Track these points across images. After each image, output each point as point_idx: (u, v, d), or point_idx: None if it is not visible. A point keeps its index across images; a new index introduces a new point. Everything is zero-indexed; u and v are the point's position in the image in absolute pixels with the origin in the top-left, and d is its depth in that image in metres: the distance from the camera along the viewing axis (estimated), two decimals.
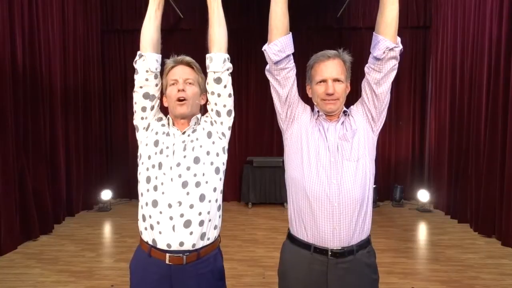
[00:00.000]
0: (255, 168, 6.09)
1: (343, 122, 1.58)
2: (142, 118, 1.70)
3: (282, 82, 1.57)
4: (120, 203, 6.33)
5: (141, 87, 1.66)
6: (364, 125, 1.58)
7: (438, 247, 4.19)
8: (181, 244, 1.58)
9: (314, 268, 1.51)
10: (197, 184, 1.60)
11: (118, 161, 6.59)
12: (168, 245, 1.58)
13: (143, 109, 1.68)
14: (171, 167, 1.60)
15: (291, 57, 1.57)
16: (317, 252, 1.50)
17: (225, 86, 1.64)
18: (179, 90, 1.63)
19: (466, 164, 5.04)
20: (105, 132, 6.51)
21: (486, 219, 4.48)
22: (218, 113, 1.68)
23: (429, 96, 6.35)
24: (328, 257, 1.49)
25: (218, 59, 1.61)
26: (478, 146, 4.74)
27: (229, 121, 1.70)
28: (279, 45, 1.52)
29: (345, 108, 1.61)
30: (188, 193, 1.59)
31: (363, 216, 1.52)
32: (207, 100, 1.72)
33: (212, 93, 1.65)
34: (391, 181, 6.37)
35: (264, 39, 1.57)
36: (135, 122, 1.72)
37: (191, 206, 1.58)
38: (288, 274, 1.58)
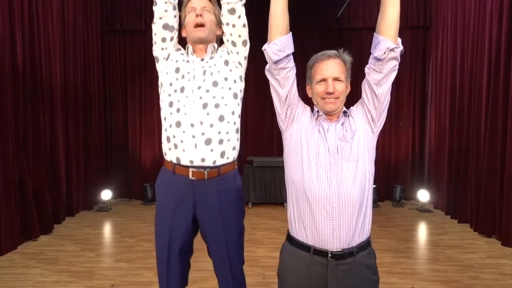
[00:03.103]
0: (255, 168, 6.09)
1: (343, 122, 1.57)
2: (162, 49, 1.81)
3: (281, 81, 1.56)
4: (120, 203, 6.34)
5: (160, 18, 1.77)
6: (364, 126, 1.57)
7: (438, 247, 4.19)
8: (203, 160, 1.72)
9: (314, 270, 1.50)
10: (216, 106, 1.72)
11: (118, 161, 6.59)
12: (191, 161, 1.72)
13: (163, 39, 1.79)
14: (192, 90, 1.72)
15: (291, 56, 1.56)
16: (317, 253, 1.50)
17: (239, 17, 1.73)
18: (197, 16, 1.73)
19: (466, 164, 5.03)
20: (105, 132, 6.51)
21: (486, 219, 4.48)
22: (233, 43, 1.78)
23: (429, 96, 6.35)
24: (328, 259, 1.48)
25: None
26: (478, 146, 4.74)
27: (244, 51, 1.81)
28: (279, 44, 1.52)
29: (345, 109, 1.61)
30: (208, 114, 1.71)
31: (363, 217, 1.52)
32: (223, 32, 1.81)
33: (227, 24, 1.75)
34: (391, 181, 6.37)
35: (264, 38, 1.57)
36: (155, 54, 1.83)
37: (211, 125, 1.71)
38: (288, 275, 1.57)
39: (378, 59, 1.50)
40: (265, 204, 6.11)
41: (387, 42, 1.47)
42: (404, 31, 6.07)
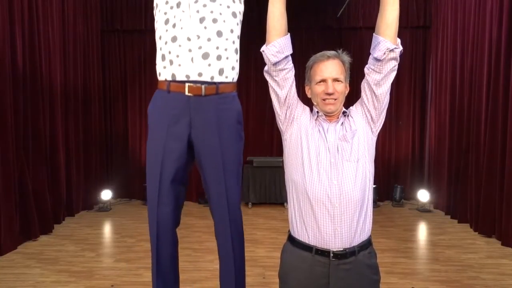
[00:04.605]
0: (255, 168, 6.09)
1: (342, 122, 1.57)
2: None
3: (280, 83, 1.56)
4: (120, 203, 6.34)
5: None
6: (364, 126, 1.58)
7: (438, 247, 4.19)
8: (200, 74, 1.65)
9: (316, 270, 1.51)
10: (214, 21, 1.67)
11: (118, 161, 6.60)
12: (187, 76, 1.65)
13: None
14: (189, 5, 1.66)
15: (290, 58, 1.56)
16: (319, 253, 1.50)
17: None
18: None
19: (466, 164, 5.03)
20: (105, 132, 6.51)
21: (486, 219, 4.48)
22: None
23: (429, 96, 6.36)
24: (330, 258, 1.49)
25: None
26: (478, 146, 4.74)
27: None
28: (277, 46, 1.52)
29: (344, 109, 1.61)
30: (205, 28, 1.66)
31: (364, 217, 1.52)
32: None
33: None
34: (391, 181, 6.37)
35: (264, 38, 1.57)
36: None
37: (209, 40, 1.65)
38: (289, 276, 1.57)
39: (377, 60, 1.51)
40: (265, 204, 6.11)
41: (387, 43, 1.48)
42: (404, 31, 6.07)
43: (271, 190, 6.08)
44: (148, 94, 6.43)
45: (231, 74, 1.73)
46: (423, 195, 5.82)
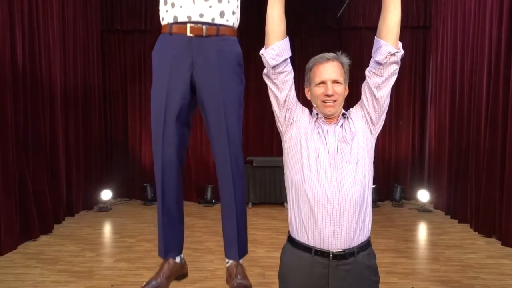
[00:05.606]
0: (255, 168, 6.09)
1: (342, 124, 1.58)
2: None
3: (280, 85, 1.56)
4: (120, 203, 6.34)
5: None
6: (363, 128, 1.58)
7: (438, 247, 4.20)
8: (201, 15, 1.69)
9: (315, 271, 1.51)
10: None
11: (118, 161, 6.59)
12: (189, 17, 1.69)
13: None
14: None
15: (289, 60, 1.57)
16: (318, 254, 1.50)
17: None
18: None
19: (466, 164, 5.03)
20: (105, 132, 6.51)
21: (486, 219, 4.49)
22: None
23: (429, 96, 6.36)
24: (329, 259, 1.49)
25: None
26: (478, 146, 4.74)
27: None
28: (276, 49, 1.52)
29: (344, 111, 1.61)
30: None
31: (363, 218, 1.52)
32: None
33: None
34: (391, 181, 6.37)
35: (263, 39, 1.57)
36: None
37: None
38: (289, 277, 1.58)
39: (379, 63, 1.50)
40: (265, 204, 6.11)
41: (389, 47, 1.48)
42: (404, 31, 6.02)
43: (271, 190, 6.08)
44: (148, 94, 6.40)
45: (232, 19, 1.77)
46: (423, 195, 5.82)
